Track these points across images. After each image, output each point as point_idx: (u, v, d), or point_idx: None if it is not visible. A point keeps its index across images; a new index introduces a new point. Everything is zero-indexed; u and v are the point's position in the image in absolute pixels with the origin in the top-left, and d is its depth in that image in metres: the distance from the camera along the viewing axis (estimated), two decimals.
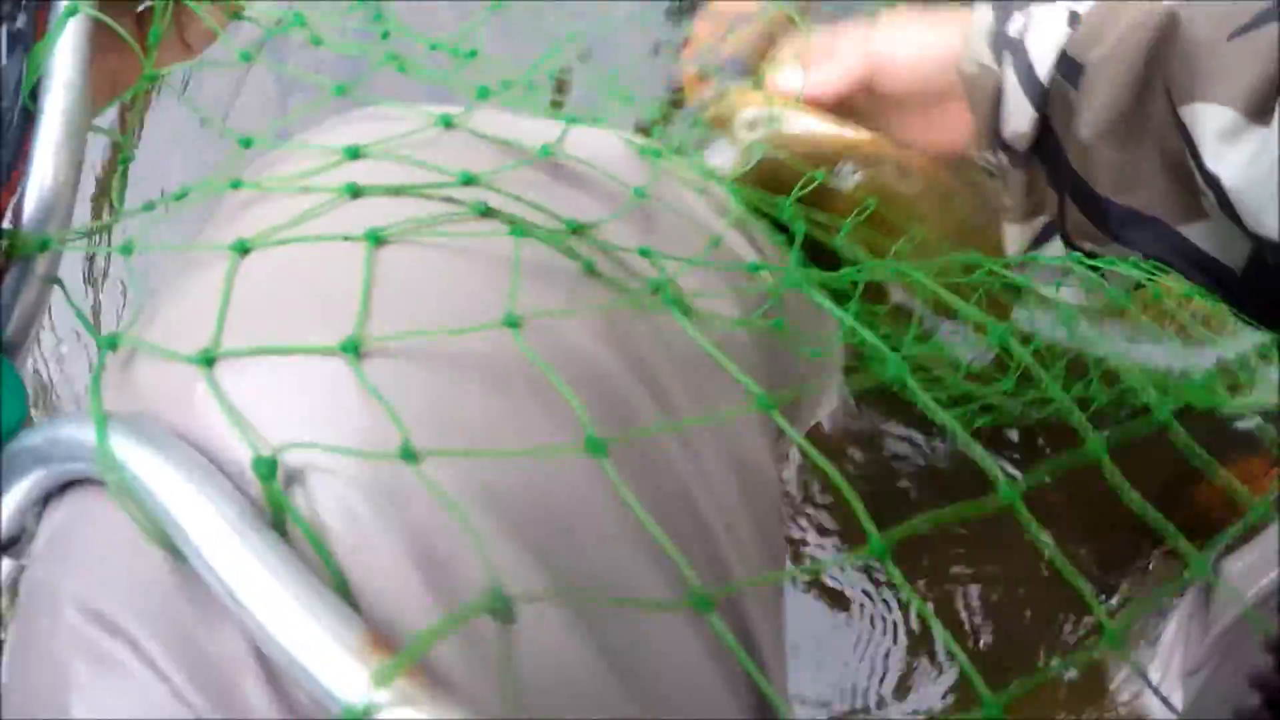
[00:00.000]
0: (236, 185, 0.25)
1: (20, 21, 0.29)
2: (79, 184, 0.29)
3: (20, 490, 0.24)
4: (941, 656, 0.64)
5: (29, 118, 0.28)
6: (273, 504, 0.20)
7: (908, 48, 0.43)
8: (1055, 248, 0.40)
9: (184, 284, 0.25)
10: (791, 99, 0.46)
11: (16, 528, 0.25)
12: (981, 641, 0.65)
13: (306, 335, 0.22)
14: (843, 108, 0.47)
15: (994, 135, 0.38)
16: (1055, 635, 0.64)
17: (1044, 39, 0.36)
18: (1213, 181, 0.29)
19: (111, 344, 0.24)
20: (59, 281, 0.27)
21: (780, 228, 0.42)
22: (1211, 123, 0.29)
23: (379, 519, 0.20)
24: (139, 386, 0.23)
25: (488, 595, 0.17)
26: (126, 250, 0.26)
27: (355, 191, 0.24)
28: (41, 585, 0.23)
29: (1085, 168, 0.35)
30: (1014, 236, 0.41)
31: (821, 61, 0.45)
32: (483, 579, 0.19)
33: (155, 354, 0.23)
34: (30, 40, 0.29)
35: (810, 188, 0.41)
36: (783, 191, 0.42)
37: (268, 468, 0.20)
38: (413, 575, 0.20)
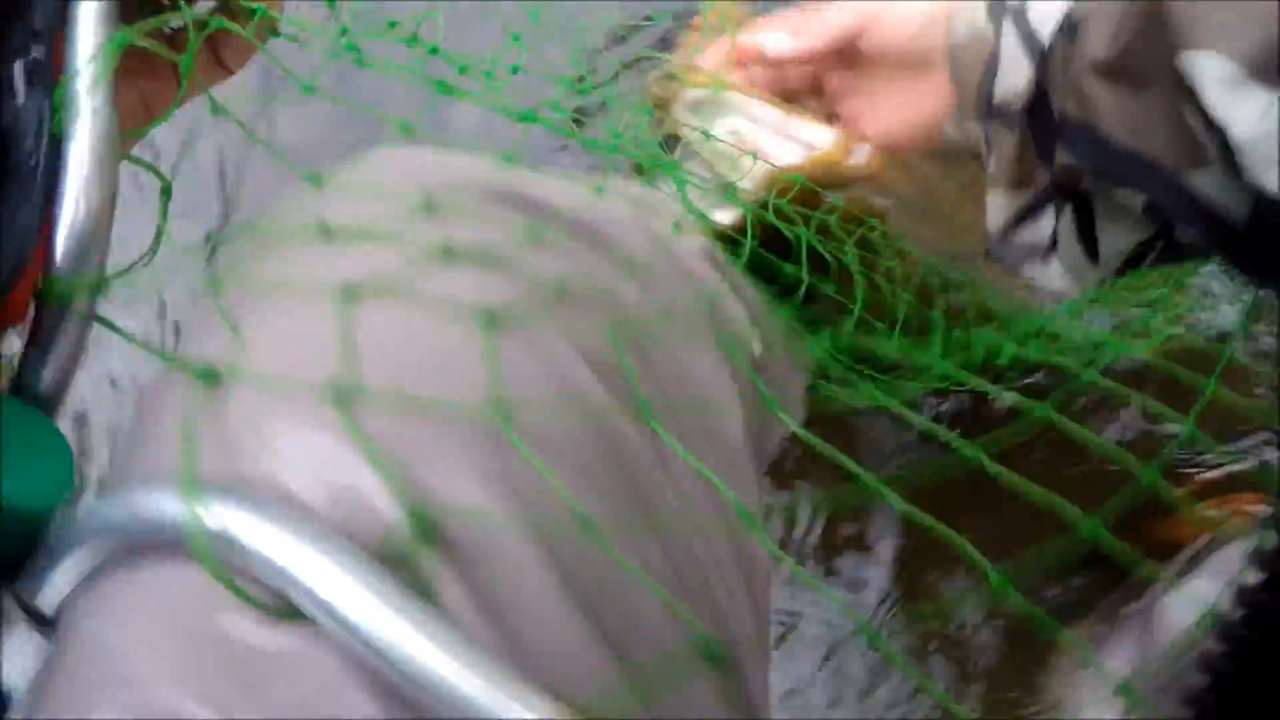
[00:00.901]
0: (325, 230, 0.23)
1: (37, 51, 0.27)
2: (113, 216, 0.26)
3: (81, 562, 0.21)
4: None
5: (59, 155, 0.25)
6: (418, 577, 0.18)
7: (897, 9, 0.43)
8: (1045, 222, 0.39)
9: (269, 324, 0.23)
10: (742, 75, 0.46)
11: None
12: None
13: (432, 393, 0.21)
14: (819, 86, 0.47)
15: (984, 102, 0.38)
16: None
17: (1047, 7, 0.36)
18: (1218, 130, 0.29)
19: (211, 377, 0.21)
20: (102, 319, 0.24)
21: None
22: (1212, 71, 0.29)
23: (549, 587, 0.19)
24: (227, 430, 0.21)
25: (711, 643, 0.16)
26: (216, 286, 0.23)
27: (448, 253, 0.24)
28: (98, 648, 0.20)
29: (1089, 112, 0.34)
30: (999, 205, 0.39)
31: (802, 24, 0.45)
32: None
33: (264, 390, 0.21)
34: (49, 70, 0.26)
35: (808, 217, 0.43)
36: (776, 234, 0.43)
37: (422, 528, 0.18)
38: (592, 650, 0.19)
